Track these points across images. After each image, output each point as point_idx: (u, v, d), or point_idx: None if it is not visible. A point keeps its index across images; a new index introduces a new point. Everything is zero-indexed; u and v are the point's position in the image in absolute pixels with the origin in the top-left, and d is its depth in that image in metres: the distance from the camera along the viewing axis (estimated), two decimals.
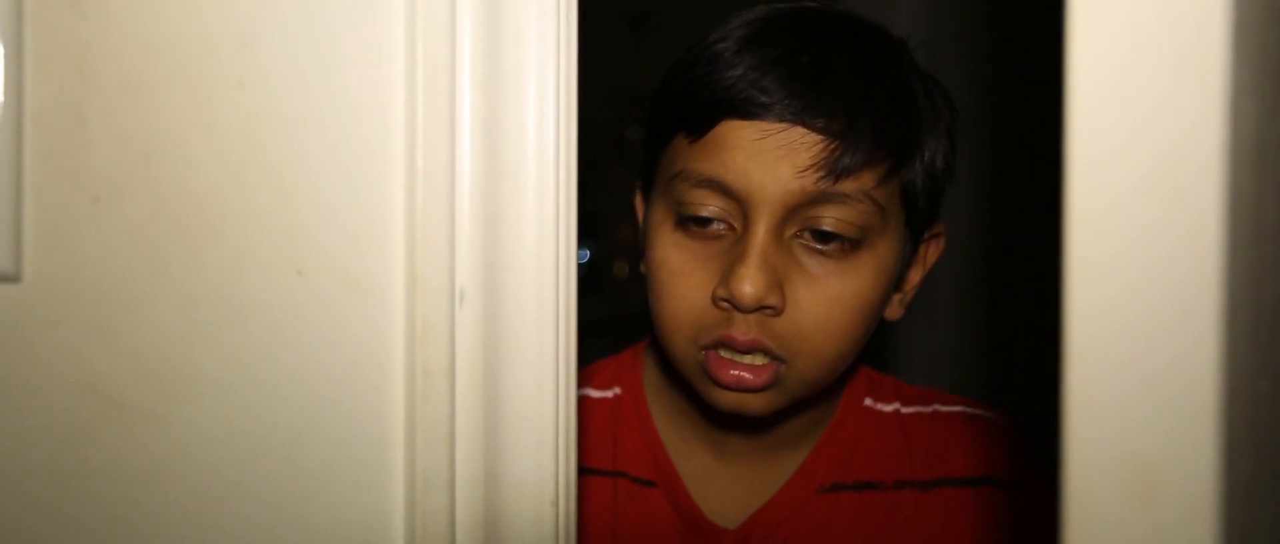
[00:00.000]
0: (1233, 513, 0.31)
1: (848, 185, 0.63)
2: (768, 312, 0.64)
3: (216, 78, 0.43)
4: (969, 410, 0.79)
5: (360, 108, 0.43)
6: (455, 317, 0.43)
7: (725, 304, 0.64)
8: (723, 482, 0.76)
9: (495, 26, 0.43)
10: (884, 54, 0.68)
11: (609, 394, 0.81)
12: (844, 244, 0.64)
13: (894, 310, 0.74)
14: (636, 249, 0.73)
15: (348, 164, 0.43)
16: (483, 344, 0.44)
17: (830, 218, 0.64)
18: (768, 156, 0.63)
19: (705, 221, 0.66)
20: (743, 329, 0.64)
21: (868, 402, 0.79)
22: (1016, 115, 1.62)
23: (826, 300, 0.64)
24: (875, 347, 1.49)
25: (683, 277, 0.66)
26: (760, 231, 0.63)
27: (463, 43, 0.43)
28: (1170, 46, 0.30)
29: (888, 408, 0.79)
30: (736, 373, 0.65)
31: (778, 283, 0.63)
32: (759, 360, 0.65)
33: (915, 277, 0.74)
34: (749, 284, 0.62)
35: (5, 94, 0.42)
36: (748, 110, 0.63)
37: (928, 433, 0.78)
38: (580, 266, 0.46)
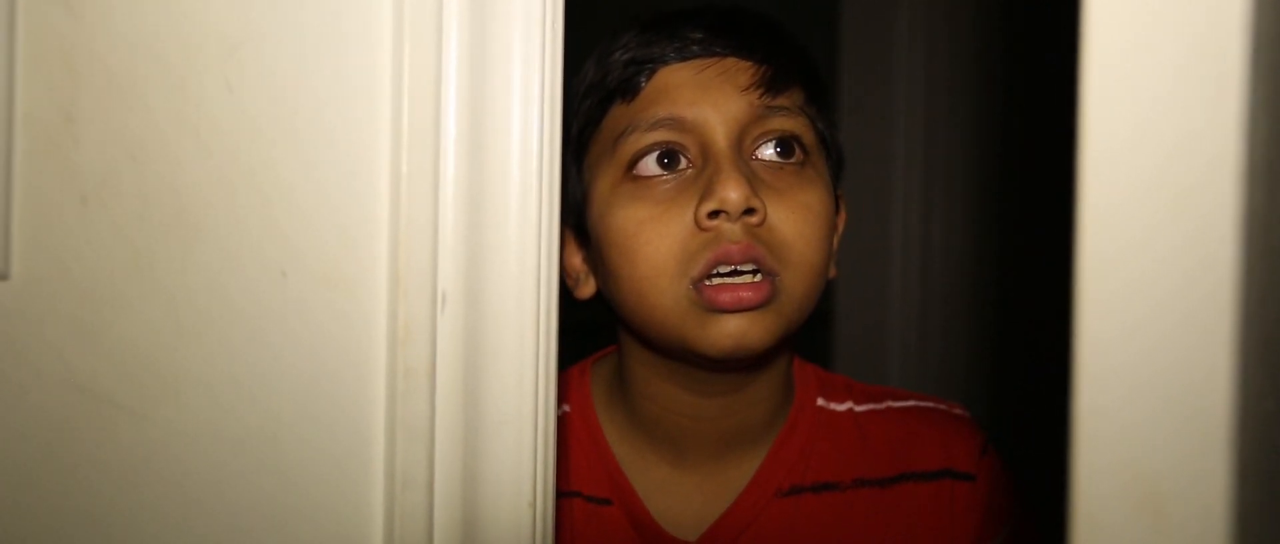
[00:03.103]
0: (1244, 537, 0.31)
1: (785, 100, 0.69)
2: (753, 218, 0.65)
3: (204, 80, 0.43)
4: (922, 404, 0.80)
5: (346, 112, 0.44)
6: (437, 318, 0.44)
7: (712, 219, 0.65)
8: (681, 492, 0.76)
9: (481, 31, 0.44)
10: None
11: (556, 412, 0.80)
12: (798, 155, 0.69)
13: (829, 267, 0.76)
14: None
15: (333, 167, 0.44)
16: (464, 346, 0.44)
17: (782, 125, 0.69)
18: (711, 84, 0.68)
19: (667, 159, 0.68)
20: (735, 237, 0.65)
21: (820, 401, 0.79)
22: (1016, 137, 1.62)
23: (799, 207, 0.67)
24: (873, 358, 1.49)
25: (654, 220, 0.67)
26: (725, 149, 0.67)
27: (449, 46, 0.43)
28: (1186, 33, 0.30)
29: (841, 407, 0.79)
30: (735, 293, 0.65)
31: (755, 190, 0.65)
32: (753, 278, 0.66)
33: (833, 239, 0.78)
34: (734, 189, 0.64)
35: None
36: (681, 55, 0.69)
37: (884, 430, 0.78)
38: None
